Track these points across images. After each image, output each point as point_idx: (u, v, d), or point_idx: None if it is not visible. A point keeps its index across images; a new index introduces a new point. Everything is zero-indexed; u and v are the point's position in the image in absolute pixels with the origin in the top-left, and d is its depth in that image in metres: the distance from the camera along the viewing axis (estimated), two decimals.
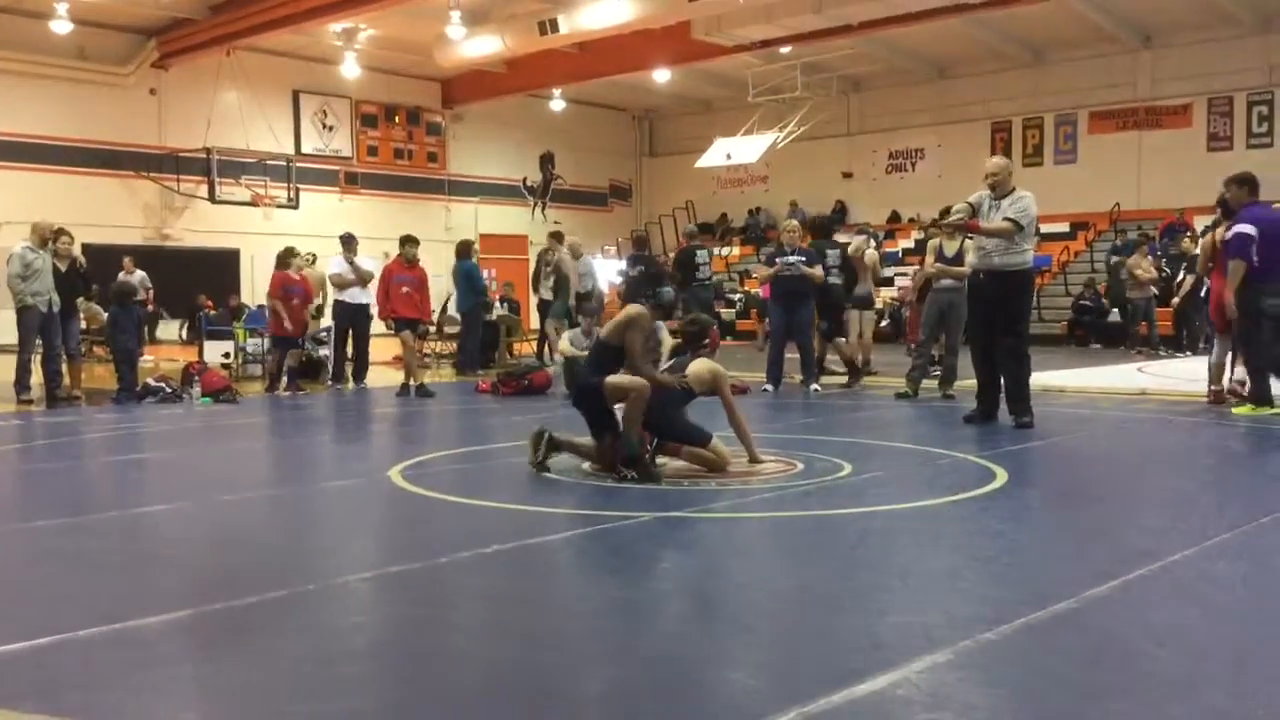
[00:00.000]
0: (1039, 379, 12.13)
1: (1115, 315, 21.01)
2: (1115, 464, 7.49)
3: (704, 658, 3.36)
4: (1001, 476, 6.31)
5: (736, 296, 26.86)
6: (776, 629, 3.74)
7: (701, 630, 3.67)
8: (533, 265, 16.13)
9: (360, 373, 13.55)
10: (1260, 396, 9.12)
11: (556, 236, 16.14)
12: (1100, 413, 9.92)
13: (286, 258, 13.13)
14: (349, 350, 13.46)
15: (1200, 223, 23.12)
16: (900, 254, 25.86)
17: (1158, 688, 3.06)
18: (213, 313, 20.53)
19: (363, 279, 13.36)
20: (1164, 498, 6.11)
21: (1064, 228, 25.69)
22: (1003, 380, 8.75)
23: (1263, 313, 8.90)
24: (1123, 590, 3.97)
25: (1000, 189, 8.67)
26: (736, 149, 27.01)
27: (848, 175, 29.91)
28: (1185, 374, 13.08)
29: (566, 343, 11.58)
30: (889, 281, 21.96)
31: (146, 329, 18.45)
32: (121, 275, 17.88)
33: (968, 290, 9.22)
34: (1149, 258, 18.99)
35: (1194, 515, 5.48)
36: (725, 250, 30.79)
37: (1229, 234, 9.20)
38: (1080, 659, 3.26)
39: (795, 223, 13.06)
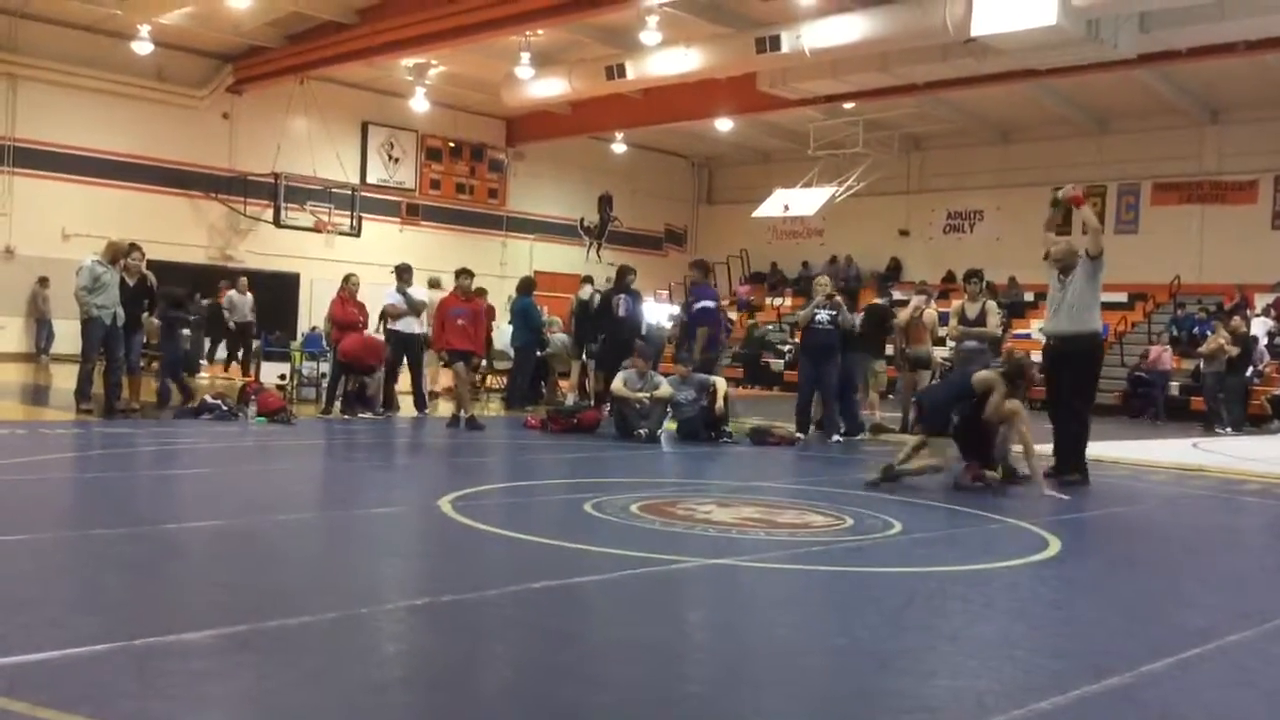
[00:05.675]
0: (1092, 449, 11.97)
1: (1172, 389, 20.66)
2: (1171, 539, 7.36)
3: (748, 708, 3.34)
4: (1054, 545, 6.23)
5: (786, 348, 26.77)
6: (823, 684, 3.71)
7: (746, 680, 3.65)
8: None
9: (420, 402, 13.70)
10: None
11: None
12: (1155, 487, 9.76)
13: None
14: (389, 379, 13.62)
15: (1261, 300, 22.82)
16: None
17: None
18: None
19: (415, 309, 13.54)
20: (1222, 576, 6.00)
21: (1122, 298, 25.39)
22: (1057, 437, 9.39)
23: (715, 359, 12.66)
24: (1179, 668, 3.90)
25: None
26: (794, 201, 27.03)
27: (904, 233, 29.84)
28: (1241, 452, 12.85)
29: (620, 383, 11.64)
30: (941, 342, 21.79)
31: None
32: (234, 294, 20.30)
33: (1043, 355, 9.71)
34: (1224, 331, 17.70)
35: (1253, 596, 5.37)
36: (778, 301, 30.76)
37: (695, 308, 12.65)
38: None
39: (826, 278, 13.29)
